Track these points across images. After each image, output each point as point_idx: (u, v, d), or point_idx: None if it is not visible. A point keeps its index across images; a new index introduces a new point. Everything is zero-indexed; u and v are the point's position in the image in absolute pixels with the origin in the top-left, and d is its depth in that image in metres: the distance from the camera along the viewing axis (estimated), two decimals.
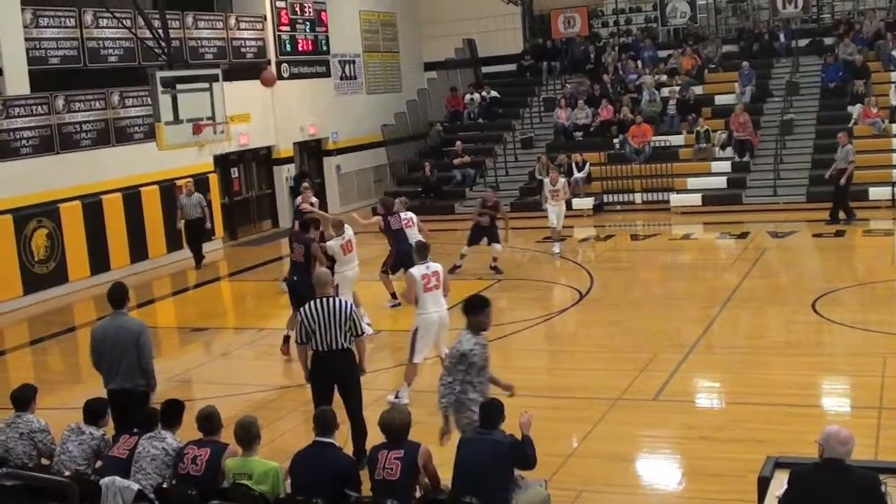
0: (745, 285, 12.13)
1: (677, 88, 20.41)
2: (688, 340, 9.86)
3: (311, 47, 20.31)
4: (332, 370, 6.96)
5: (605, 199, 19.05)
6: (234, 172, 18.95)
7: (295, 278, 10.08)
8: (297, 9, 19.89)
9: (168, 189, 16.32)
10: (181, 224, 16.11)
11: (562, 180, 15.25)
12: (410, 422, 5.43)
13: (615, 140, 19.94)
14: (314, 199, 14.39)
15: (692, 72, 21.09)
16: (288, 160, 19.82)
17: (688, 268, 14.49)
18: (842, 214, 15.71)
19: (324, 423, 5.51)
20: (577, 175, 18.79)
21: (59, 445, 6.12)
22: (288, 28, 19.62)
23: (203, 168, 17.17)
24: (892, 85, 19.11)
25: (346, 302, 7.24)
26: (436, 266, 8.38)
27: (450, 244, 14.55)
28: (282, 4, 19.42)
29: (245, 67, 18.48)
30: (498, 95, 22.65)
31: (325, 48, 20.73)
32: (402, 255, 11.77)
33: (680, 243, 16.02)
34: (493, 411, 5.48)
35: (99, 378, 6.98)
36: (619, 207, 18.88)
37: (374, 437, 5.87)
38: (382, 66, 23.03)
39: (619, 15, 25.04)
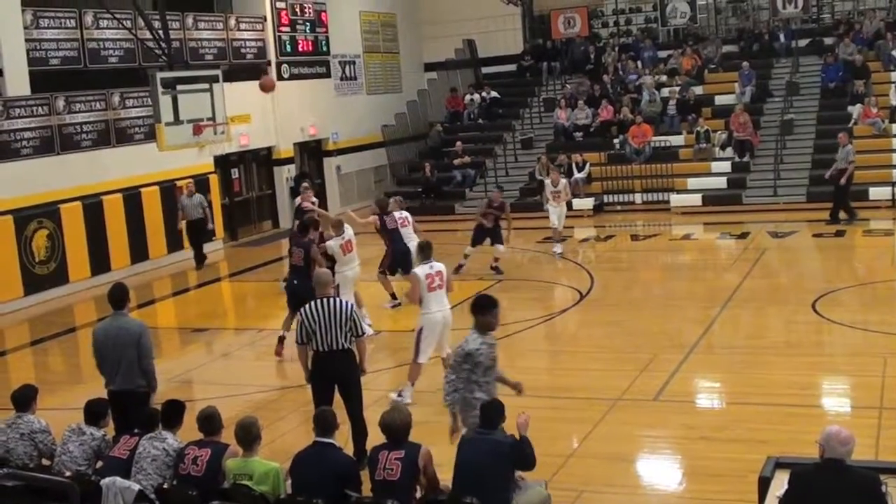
0: (746, 285, 12.13)
1: (677, 89, 20.42)
2: (688, 341, 9.86)
3: (311, 48, 20.31)
4: (333, 370, 6.96)
5: (606, 200, 19.06)
6: (235, 173, 18.96)
7: (295, 282, 10.07)
8: (298, 9, 19.89)
9: (168, 190, 16.32)
10: (182, 225, 16.13)
11: (563, 181, 15.25)
12: (411, 423, 5.43)
13: (615, 140, 19.95)
14: (314, 199, 14.41)
15: (692, 72, 21.09)
16: (288, 161, 19.82)
17: (688, 268, 14.49)
18: (843, 214, 15.71)
19: (324, 424, 5.51)
20: (577, 175, 18.80)
21: (60, 446, 6.13)
22: (288, 29, 19.62)
23: (203, 169, 17.18)
24: (893, 85, 19.12)
25: (346, 302, 7.24)
26: (439, 266, 8.39)
27: (450, 244, 14.55)
28: (282, 5, 19.43)
29: (245, 68, 18.49)
30: (498, 96, 22.66)
31: (325, 49, 20.74)
32: (397, 255, 11.77)
33: (680, 243, 16.03)
34: (493, 411, 5.48)
35: (99, 379, 6.99)
36: (619, 208, 18.88)
37: (375, 437, 5.87)
38: (382, 67, 23.04)
39: (619, 15, 25.04)
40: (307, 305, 7.05)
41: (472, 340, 6.02)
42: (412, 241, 11.94)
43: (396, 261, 11.78)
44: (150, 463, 5.63)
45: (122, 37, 15.67)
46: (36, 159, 14.25)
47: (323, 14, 20.61)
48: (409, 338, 10.13)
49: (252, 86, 17.74)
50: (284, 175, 19.64)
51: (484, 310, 6.10)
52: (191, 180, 16.32)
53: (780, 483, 4.69)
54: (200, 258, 16.05)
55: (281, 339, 10.15)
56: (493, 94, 22.64)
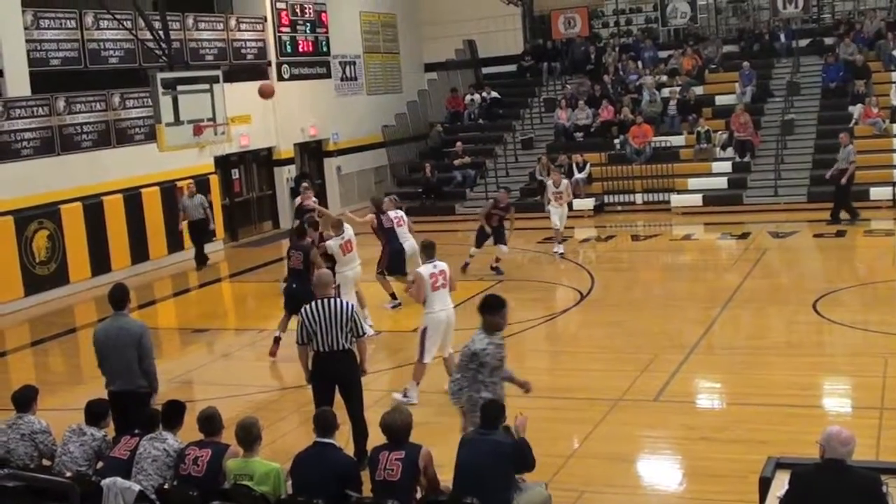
0: (746, 286, 12.13)
1: (678, 89, 20.42)
2: (689, 341, 9.86)
3: (311, 48, 20.32)
4: (333, 371, 6.96)
5: (606, 200, 19.05)
6: (235, 173, 18.97)
7: (294, 285, 10.07)
8: (298, 10, 19.90)
9: (169, 190, 16.33)
10: (182, 225, 16.14)
11: (564, 182, 15.24)
12: (412, 423, 5.43)
13: (616, 140, 19.95)
14: (314, 199, 14.41)
15: (693, 72, 21.09)
16: (288, 161, 19.83)
17: (688, 268, 14.48)
18: (845, 215, 15.70)
19: (324, 424, 5.51)
20: (577, 176, 18.79)
21: (61, 446, 6.13)
22: (288, 29, 19.63)
23: (204, 169, 17.18)
24: (893, 85, 19.12)
25: (347, 303, 7.24)
26: (442, 265, 8.39)
27: (451, 245, 14.55)
28: (282, 6, 19.43)
29: (245, 69, 18.50)
30: (498, 96, 22.66)
31: (325, 49, 20.74)
32: (392, 255, 11.75)
33: (681, 244, 16.02)
34: (493, 412, 5.47)
35: (100, 379, 6.99)
36: (619, 208, 18.88)
37: (376, 437, 5.87)
38: (383, 67, 23.04)
39: (619, 15, 25.05)
40: (308, 306, 7.04)
41: (478, 340, 6.00)
42: (407, 241, 11.95)
43: (392, 260, 11.77)
44: (150, 463, 5.63)
45: (123, 37, 15.68)
46: (36, 160, 14.26)
47: (323, 14, 20.61)
48: (410, 338, 10.15)
49: (252, 86, 17.77)
50: (285, 175, 19.65)
51: (492, 310, 6.06)
52: (191, 181, 16.33)
53: (781, 483, 4.69)
54: (202, 259, 16.06)
55: (276, 340, 10.17)
56: (494, 94, 22.64)
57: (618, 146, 19.80)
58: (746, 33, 22.55)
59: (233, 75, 17.21)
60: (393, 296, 11.99)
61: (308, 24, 20.19)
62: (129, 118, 15.88)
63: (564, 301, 12.28)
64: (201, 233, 16.04)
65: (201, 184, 16.68)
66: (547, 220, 15.02)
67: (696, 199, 18.18)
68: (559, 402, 8.14)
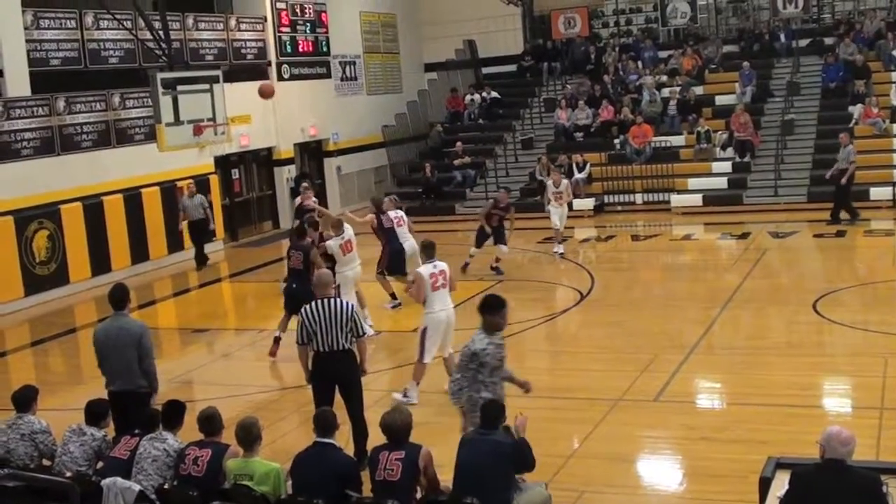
0: (746, 286, 12.13)
1: (678, 89, 20.42)
2: (689, 341, 9.86)
3: (311, 48, 20.32)
4: (334, 371, 6.96)
5: (606, 200, 19.05)
6: (235, 173, 18.97)
7: (294, 286, 10.07)
8: (298, 10, 19.90)
9: (169, 190, 16.34)
10: (182, 225, 16.14)
11: (565, 182, 15.23)
12: (412, 423, 5.43)
13: (616, 140, 19.95)
14: (314, 199, 14.40)
15: (693, 72, 21.09)
16: (288, 161, 19.83)
17: (689, 268, 14.48)
18: (846, 215, 15.69)
19: (324, 424, 5.51)
20: (577, 176, 18.79)
21: (61, 446, 6.13)
22: (288, 29, 19.63)
23: (204, 169, 17.18)
24: (893, 85, 19.12)
25: (347, 303, 7.24)
26: (442, 265, 8.40)
27: (451, 245, 14.55)
28: (282, 6, 19.43)
29: (246, 69, 18.50)
30: (498, 96, 22.66)
31: (325, 49, 20.74)
32: (392, 255, 11.75)
33: (681, 244, 16.02)
34: (493, 411, 5.47)
35: (100, 379, 6.99)
36: (619, 208, 18.88)
37: (376, 437, 5.87)
38: (383, 67, 23.05)
39: (619, 15, 25.05)
40: (308, 306, 7.04)
41: (478, 340, 6.00)
42: (406, 241, 11.96)
43: (392, 260, 11.77)
44: (150, 463, 5.63)
45: (123, 37, 15.68)
46: (36, 160, 14.26)
47: (323, 14, 20.61)
48: (410, 338, 10.15)
49: (252, 86, 17.77)
50: (285, 175, 19.65)
51: (492, 310, 6.06)
52: (191, 181, 16.33)
53: (781, 483, 4.69)
54: (202, 259, 16.06)
55: (276, 340, 10.17)
56: (494, 94, 22.64)
57: (618, 146, 19.80)
58: (746, 33, 22.55)
59: (233, 75, 17.20)
60: (393, 296, 11.99)
61: (308, 24, 20.19)
62: (129, 118, 15.88)
63: (564, 301, 12.28)
64: (201, 233, 16.04)
65: (201, 184, 16.68)
66: (547, 220, 15.02)
67: (696, 199, 18.18)
68: (559, 402, 8.14)
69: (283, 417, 8.46)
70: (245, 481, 5.34)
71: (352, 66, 21.80)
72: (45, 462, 6.24)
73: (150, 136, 14.85)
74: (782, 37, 21.54)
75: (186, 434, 5.90)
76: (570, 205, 15.33)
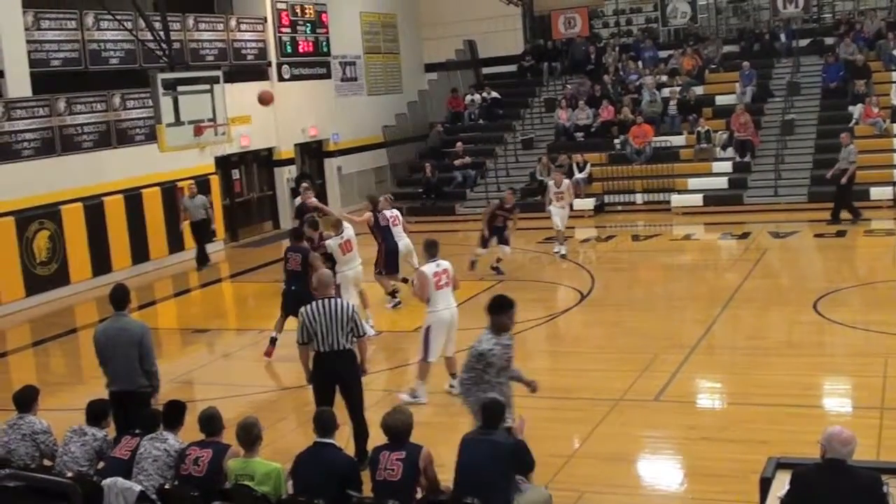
0: (747, 286, 12.13)
1: (678, 89, 20.42)
2: (689, 341, 9.86)
3: (311, 49, 20.32)
4: (334, 371, 6.96)
5: (606, 200, 19.05)
6: (236, 174, 18.98)
7: (293, 287, 10.07)
8: (298, 10, 19.90)
9: (169, 191, 16.35)
10: (183, 226, 16.15)
11: (566, 182, 15.20)
12: (412, 423, 5.43)
13: (616, 141, 19.95)
14: (314, 199, 14.39)
15: (693, 72, 21.09)
16: (289, 161, 19.84)
17: (689, 268, 14.47)
18: (846, 214, 15.68)
19: (323, 424, 5.52)
20: (577, 176, 18.79)
21: (62, 446, 6.13)
22: (289, 30, 19.63)
23: (204, 170, 17.18)
24: (893, 85, 19.11)
25: (347, 303, 7.24)
26: (445, 263, 8.40)
27: (451, 245, 14.53)
28: (282, 6, 19.43)
29: (246, 69, 18.51)
30: (498, 96, 22.66)
31: (325, 50, 20.75)
32: (388, 254, 11.77)
33: (681, 244, 16.02)
34: (493, 411, 5.47)
35: (100, 379, 7.00)
36: (620, 208, 18.88)
37: (376, 438, 5.87)
38: (383, 68, 23.05)
39: (619, 15, 25.06)
40: (308, 306, 7.05)
41: (485, 340, 5.99)
42: (401, 240, 11.99)
43: (388, 259, 11.79)
44: (151, 463, 5.63)
45: (123, 38, 15.69)
46: (37, 160, 14.27)
47: (323, 15, 20.61)
48: (410, 338, 10.16)
49: (253, 86, 17.77)
50: (285, 176, 19.66)
51: (500, 310, 6.05)
52: (192, 181, 16.34)
53: (782, 483, 4.69)
54: (203, 259, 16.07)
55: (272, 341, 10.18)
56: (494, 94, 22.64)
57: (618, 146, 19.80)
58: (746, 33, 22.55)
59: (233, 76, 17.22)
60: (393, 294, 11.99)
61: (308, 24, 20.20)
62: (129, 119, 15.89)
63: (565, 301, 12.28)
64: (203, 233, 16.06)
65: (202, 184, 16.69)
66: (547, 219, 15.01)
67: (697, 199, 18.18)
68: (559, 403, 8.14)
69: (283, 417, 8.46)
70: (246, 481, 5.34)
71: (352, 67, 21.80)
72: (46, 462, 6.24)
73: (151, 137, 14.86)
74: (782, 37, 21.53)
75: (187, 434, 5.91)
76: (570, 205, 15.31)
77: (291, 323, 9.89)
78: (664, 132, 19.77)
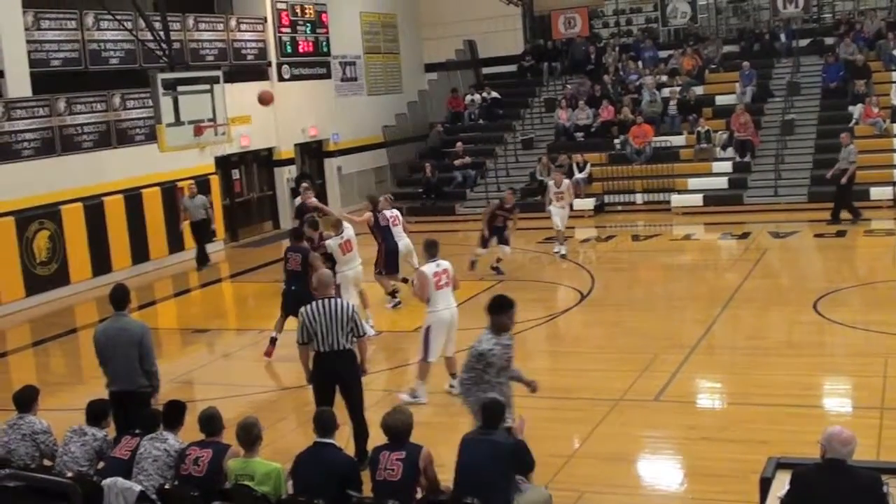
0: (747, 286, 12.13)
1: (678, 89, 20.42)
2: (689, 341, 9.86)
3: (311, 49, 20.32)
4: (334, 371, 6.96)
5: (606, 200, 19.05)
6: (236, 174, 18.98)
7: (293, 288, 10.08)
8: (298, 10, 19.90)
9: (169, 191, 16.35)
10: (183, 226, 16.15)
11: (566, 182, 15.20)
12: (412, 424, 5.43)
13: (616, 141, 19.95)
14: (314, 199, 14.39)
15: (693, 72, 21.09)
16: (289, 161, 19.84)
17: (689, 268, 14.47)
18: (846, 214, 15.67)
19: (323, 424, 5.52)
20: (577, 176, 18.79)
21: (62, 446, 6.13)
22: (289, 30, 19.63)
23: (204, 170, 17.18)
24: (894, 85, 19.11)
25: (347, 303, 7.24)
26: (445, 263, 8.41)
27: (451, 245, 14.52)
28: (282, 6, 19.43)
29: (246, 69, 18.51)
30: (498, 96, 22.66)
31: (325, 50, 20.74)
32: (389, 254, 11.77)
33: (681, 244, 16.02)
34: (493, 411, 5.47)
35: (100, 379, 7.00)
36: (620, 208, 18.88)
37: (377, 438, 5.87)
38: (383, 68, 23.05)
39: (619, 15, 25.06)
40: (308, 306, 7.05)
41: (485, 341, 5.99)
42: (401, 240, 12.00)
43: (388, 259, 11.79)
44: (151, 463, 5.63)
45: (123, 38, 15.69)
46: (37, 160, 14.27)
47: (323, 15, 20.61)
48: (410, 338, 10.16)
49: (253, 86, 17.77)
50: (285, 176, 19.66)
51: (500, 310, 6.05)
52: (192, 181, 16.34)
53: (782, 483, 4.69)
54: (203, 259, 16.07)
55: (272, 341, 10.18)
56: (494, 94, 22.64)
57: (618, 146, 19.80)
58: (746, 33, 22.55)
59: (233, 76, 17.22)
60: (393, 294, 12.00)
61: (308, 24, 20.20)
62: (129, 119, 15.89)
63: (565, 301, 12.28)
64: (203, 233, 16.06)
65: (202, 184, 16.69)
66: (547, 219, 15.01)
67: (697, 199, 18.18)
68: (559, 403, 8.14)
69: (283, 418, 8.46)
70: (246, 481, 5.34)
71: (352, 67, 21.80)
72: (46, 462, 6.24)
73: (151, 137, 14.86)
74: (782, 37, 21.53)
75: (187, 434, 5.91)
76: (570, 205, 15.30)
77: (291, 323, 9.90)
78: (664, 132, 19.77)
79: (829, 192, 16.10)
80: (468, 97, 22.80)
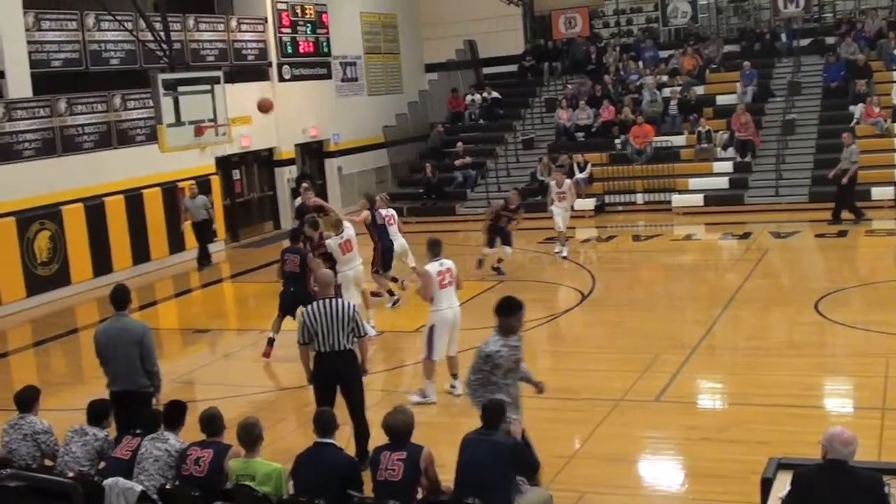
0: (748, 286, 12.12)
1: (678, 89, 20.42)
2: (690, 341, 9.85)
3: (312, 49, 20.32)
4: (335, 371, 6.96)
5: (607, 200, 19.05)
6: (236, 174, 18.99)
7: (292, 289, 10.08)
8: (298, 11, 19.90)
9: (170, 191, 16.35)
10: (184, 226, 16.16)
11: (567, 181, 15.20)
12: (413, 424, 5.43)
13: (617, 141, 19.95)
14: (317, 198, 14.41)
15: (693, 72, 21.09)
16: (289, 162, 19.85)
17: (690, 268, 14.47)
18: (847, 214, 15.66)
19: (323, 424, 5.52)
20: (578, 176, 18.79)
21: (63, 446, 6.13)
22: (289, 30, 19.63)
23: (205, 170, 17.19)
24: (894, 84, 19.10)
25: (348, 303, 7.25)
26: (449, 262, 8.42)
27: (452, 245, 14.51)
28: (283, 6, 19.44)
29: (247, 69, 18.52)
30: (499, 96, 22.66)
31: (326, 50, 20.75)
32: (384, 253, 11.79)
33: (682, 244, 16.01)
34: (493, 412, 5.47)
35: (101, 379, 7.00)
36: (620, 208, 18.88)
37: (378, 438, 5.87)
38: (384, 68, 23.05)
39: (620, 15, 25.06)
40: (309, 306, 7.07)
41: (492, 342, 5.98)
42: (396, 240, 12.04)
43: (384, 258, 11.81)
44: (152, 463, 5.64)
45: (124, 38, 15.70)
46: (38, 161, 14.27)
47: (324, 15, 20.62)
48: (409, 338, 10.17)
49: (253, 87, 17.80)
50: (286, 176, 19.67)
51: (509, 312, 6.02)
52: (193, 182, 16.34)
53: (783, 484, 4.69)
54: (205, 259, 16.08)
55: (270, 341, 10.19)
56: (495, 94, 22.64)
57: (619, 146, 19.80)
58: (747, 33, 22.55)
59: (234, 76, 17.23)
60: (390, 293, 12.01)
61: (309, 24, 20.20)
62: (130, 119, 15.89)
63: (566, 301, 12.28)
64: (205, 233, 16.07)
65: (203, 184, 16.70)
66: (548, 220, 15.01)
67: (698, 199, 18.18)
68: (560, 403, 8.12)
69: (283, 418, 8.46)
70: (247, 482, 5.34)
71: (352, 67, 21.81)
72: (48, 462, 6.24)
73: (152, 137, 14.86)
74: (783, 36, 21.53)
75: (188, 434, 5.91)
76: (571, 206, 15.28)
77: (289, 323, 9.92)
78: (665, 132, 19.76)
79: (830, 192, 16.09)
80: (468, 97, 22.80)
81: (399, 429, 5.34)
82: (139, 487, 5.51)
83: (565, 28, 23.13)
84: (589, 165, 19.19)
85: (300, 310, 7.42)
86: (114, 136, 15.59)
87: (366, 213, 12.03)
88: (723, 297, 11.60)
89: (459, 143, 21.05)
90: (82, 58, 15.23)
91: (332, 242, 10.68)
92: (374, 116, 22.20)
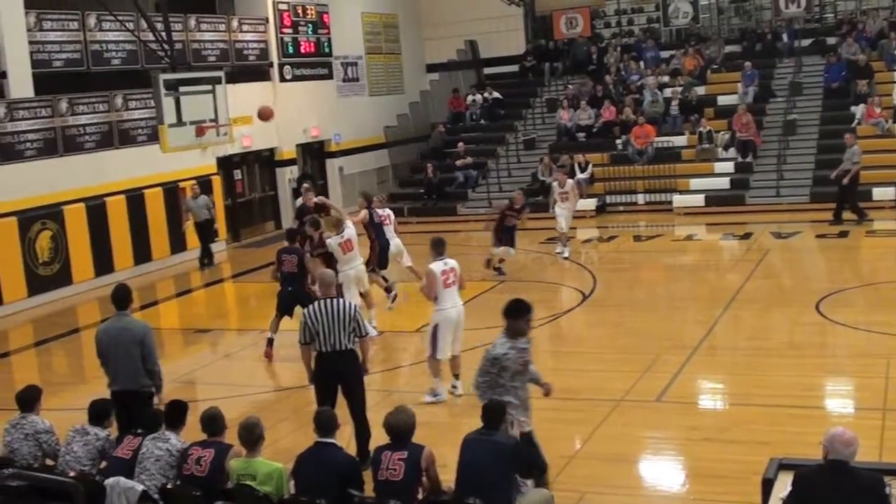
0: (749, 286, 12.12)
1: (680, 89, 20.41)
2: (691, 342, 9.85)
3: (313, 49, 20.33)
4: (336, 371, 6.97)
5: (608, 200, 19.05)
6: (237, 174, 19.00)
7: (290, 289, 10.08)
8: (300, 11, 19.91)
9: (171, 191, 16.37)
10: (186, 226, 16.17)
11: (569, 182, 15.20)
12: (415, 423, 5.44)
13: (618, 141, 19.94)
14: (319, 197, 14.41)
15: (695, 72, 21.08)
16: (291, 162, 19.86)
17: (691, 269, 14.47)
18: (848, 215, 15.65)
19: (324, 424, 5.52)
20: (579, 176, 18.77)
21: (64, 446, 6.14)
22: (290, 30, 19.64)
23: (206, 170, 17.20)
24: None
25: (349, 303, 7.25)
26: (452, 262, 8.44)
27: (452, 245, 14.48)
28: (284, 7, 19.45)
29: (248, 70, 18.52)
30: (500, 96, 22.67)
31: (327, 50, 20.75)
32: (381, 252, 11.81)
33: (683, 244, 16.01)
34: (493, 412, 5.48)
35: (103, 379, 7.01)
36: (621, 208, 18.88)
37: (379, 438, 5.87)
38: (385, 68, 23.06)
39: (621, 15, 25.05)
40: (311, 306, 7.08)
41: (499, 345, 5.98)
42: (392, 239, 12.07)
43: (381, 257, 11.83)
44: (153, 463, 5.64)
45: (125, 38, 15.71)
46: (39, 161, 14.29)
47: (325, 15, 20.62)
48: (410, 338, 10.18)
49: (254, 87, 17.81)
50: (287, 176, 19.67)
51: (517, 314, 6.03)
52: (194, 182, 16.36)
53: (784, 485, 4.69)
54: (207, 259, 16.08)
55: (269, 342, 10.19)
56: (496, 94, 22.64)
57: (620, 146, 19.79)
58: (748, 33, 22.54)
59: (235, 76, 17.24)
60: (388, 290, 12.01)
61: (310, 25, 20.21)
62: (131, 119, 15.90)
63: (567, 302, 12.28)
64: (207, 233, 16.08)
65: (204, 184, 16.70)
66: (549, 220, 15.01)
67: (699, 200, 18.18)
68: (561, 403, 8.09)
69: (284, 418, 8.47)
70: (248, 481, 5.35)
71: (354, 67, 21.81)
72: (49, 462, 6.25)
73: (153, 137, 14.88)
74: (784, 36, 21.52)
75: (189, 434, 5.91)
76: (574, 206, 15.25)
77: (289, 323, 9.93)
78: (666, 132, 19.76)
79: (832, 193, 16.09)
80: (470, 97, 22.81)
81: (400, 428, 5.35)
82: (140, 487, 5.51)
83: (566, 28, 23.12)
84: (590, 166, 19.19)
85: (301, 310, 7.41)
86: (115, 137, 15.60)
87: (364, 213, 12.05)
88: (724, 297, 11.59)
89: (460, 144, 21.05)
90: (84, 58, 15.24)
91: (332, 242, 10.69)
92: (376, 117, 22.20)
